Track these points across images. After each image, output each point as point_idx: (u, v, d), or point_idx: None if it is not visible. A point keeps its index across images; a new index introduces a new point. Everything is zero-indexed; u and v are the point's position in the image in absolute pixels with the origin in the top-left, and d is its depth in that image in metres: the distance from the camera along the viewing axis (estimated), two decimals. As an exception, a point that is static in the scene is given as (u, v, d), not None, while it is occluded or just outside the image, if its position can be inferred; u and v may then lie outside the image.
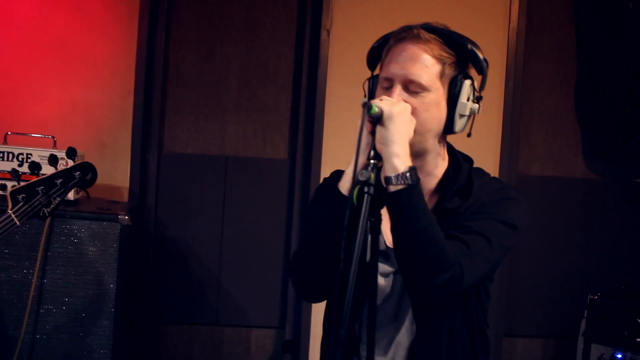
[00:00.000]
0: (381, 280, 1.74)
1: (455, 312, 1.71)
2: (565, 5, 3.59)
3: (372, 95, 1.75)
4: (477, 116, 3.87)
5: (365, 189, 1.52)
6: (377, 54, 1.76)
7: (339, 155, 3.37)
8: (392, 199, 1.56)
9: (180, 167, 3.47)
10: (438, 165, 1.77)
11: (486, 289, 1.80)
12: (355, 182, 1.48)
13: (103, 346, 2.86)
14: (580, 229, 3.65)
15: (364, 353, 1.71)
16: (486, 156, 3.51)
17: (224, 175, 3.48)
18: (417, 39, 1.65)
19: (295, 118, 3.49)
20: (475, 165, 1.83)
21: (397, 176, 1.54)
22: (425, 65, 1.63)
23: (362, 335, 1.73)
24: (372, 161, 1.56)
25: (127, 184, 3.39)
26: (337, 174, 1.72)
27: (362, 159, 1.56)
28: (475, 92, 1.70)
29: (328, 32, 3.41)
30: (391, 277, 1.75)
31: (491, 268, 1.71)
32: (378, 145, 1.56)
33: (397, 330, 1.75)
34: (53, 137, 3.02)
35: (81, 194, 3.08)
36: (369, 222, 1.73)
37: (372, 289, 1.76)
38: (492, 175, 1.84)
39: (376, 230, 1.53)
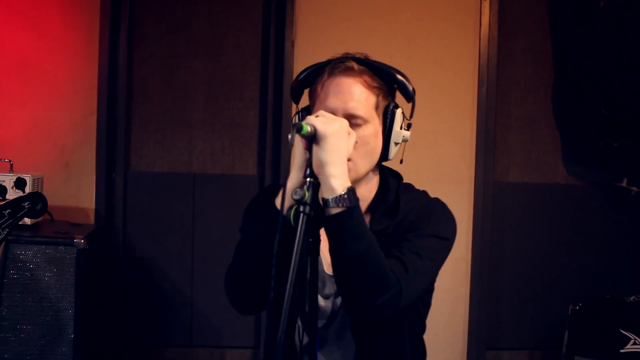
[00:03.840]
0: (322, 302, 1.72)
1: (394, 328, 1.70)
2: (538, 6, 3.47)
3: None
4: (449, 124, 3.77)
5: (302, 209, 1.46)
6: (303, 86, 1.73)
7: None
8: (331, 222, 1.50)
9: (148, 186, 3.40)
10: (371, 190, 1.74)
11: (424, 300, 1.80)
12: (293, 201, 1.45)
13: (64, 373, 2.81)
14: (564, 236, 3.52)
15: None
16: (460, 164, 3.41)
17: (192, 192, 3.41)
18: (350, 71, 1.63)
19: (263, 133, 3.41)
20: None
21: (335, 199, 1.48)
22: (363, 97, 1.61)
23: (304, 357, 1.69)
24: (308, 179, 1.50)
25: (92, 205, 3.33)
26: (273, 188, 1.68)
27: (298, 175, 1.51)
28: (405, 120, 1.69)
29: (292, 43, 3.34)
30: (331, 299, 1.72)
31: (427, 282, 1.70)
32: (314, 166, 1.49)
33: (339, 351, 1.73)
34: (10, 161, 2.97)
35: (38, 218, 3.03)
36: (307, 243, 1.68)
37: (312, 311, 1.70)
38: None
39: (315, 251, 1.50)
